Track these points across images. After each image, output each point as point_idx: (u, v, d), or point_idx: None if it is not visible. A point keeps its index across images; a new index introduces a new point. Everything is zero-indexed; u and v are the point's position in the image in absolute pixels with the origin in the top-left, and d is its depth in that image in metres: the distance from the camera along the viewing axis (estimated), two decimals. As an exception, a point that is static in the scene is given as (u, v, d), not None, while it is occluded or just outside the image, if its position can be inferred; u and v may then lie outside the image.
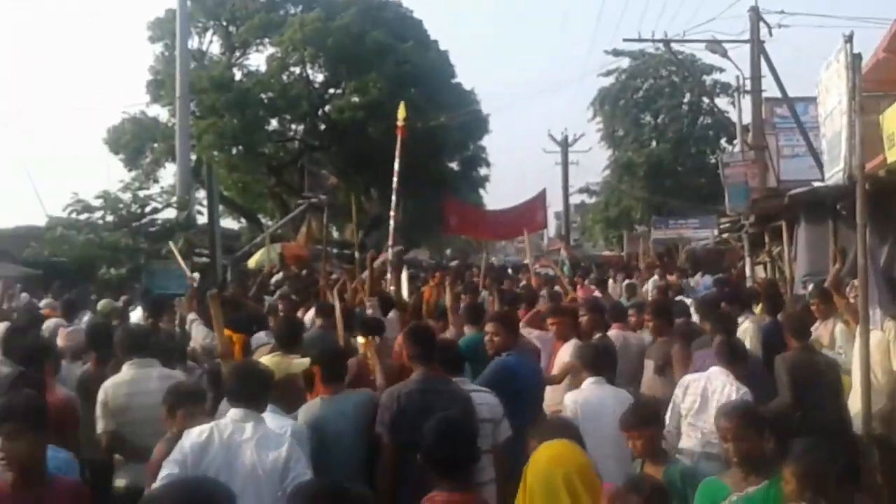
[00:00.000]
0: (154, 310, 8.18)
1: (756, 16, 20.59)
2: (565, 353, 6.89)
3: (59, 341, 7.43)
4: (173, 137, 20.28)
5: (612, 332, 7.61)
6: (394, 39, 30.17)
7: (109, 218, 15.71)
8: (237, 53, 33.32)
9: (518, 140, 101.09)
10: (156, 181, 28.69)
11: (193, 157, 22.66)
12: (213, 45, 33.84)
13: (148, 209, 16.30)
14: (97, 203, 15.71)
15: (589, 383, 5.62)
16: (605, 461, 4.55)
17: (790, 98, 20.42)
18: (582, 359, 5.92)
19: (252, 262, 17.93)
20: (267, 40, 32.12)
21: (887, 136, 10.26)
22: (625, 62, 40.14)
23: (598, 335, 7.26)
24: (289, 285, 12.07)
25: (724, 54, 22.32)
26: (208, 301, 5.68)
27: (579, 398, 5.51)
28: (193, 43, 30.95)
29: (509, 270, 20.79)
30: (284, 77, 31.34)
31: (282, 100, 30.31)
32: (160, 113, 31.42)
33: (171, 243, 11.73)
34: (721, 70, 36.89)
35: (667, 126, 41.13)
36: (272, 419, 4.30)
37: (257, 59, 33.16)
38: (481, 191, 36.44)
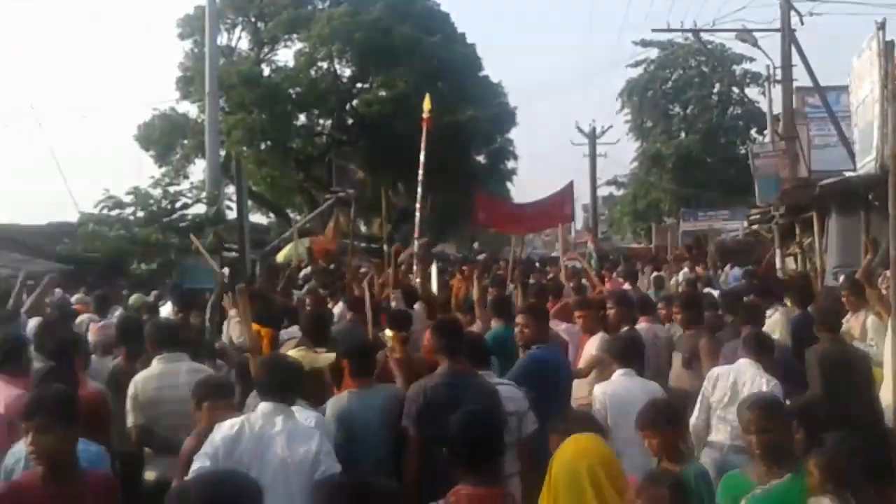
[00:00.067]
0: (184, 304, 8.27)
1: (787, 4, 20.35)
2: (592, 346, 6.89)
3: (90, 336, 7.51)
4: (203, 133, 20.41)
5: (641, 326, 7.58)
6: (421, 33, 30.20)
7: (140, 214, 15.84)
8: (266, 49, 33.52)
9: (546, 132, 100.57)
10: (186, 177, 28.90)
11: (223, 152, 22.86)
12: (242, 41, 34.14)
13: (178, 205, 16.41)
14: (128, 199, 15.88)
15: (618, 375, 5.65)
16: (633, 452, 4.55)
17: (822, 87, 20.17)
18: (611, 351, 5.94)
19: (280, 257, 18.01)
20: (295, 36, 32.29)
21: (921, 124, 10.10)
22: (653, 53, 39.97)
23: (625, 328, 7.24)
24: (316, 279, 12.13)
25: (755, 43, 22.09)
26: (237, 296, 5.73)
27: (608, 390, 5.53)
28: (222, 39, 31.17)
29: (536, 264, 20.72)
30: (312, 72, 31.50)
31: (310, 95, 30.46)
32: (190, 109, 31.74)
33: (191, 236, 11.81)
34: (751, 59, 36.60)
35: (696, 117, 40.85)
36: (297, 411, 4.33)
37: (286, 55, 33.49)
38: (508, 184, 36.45)
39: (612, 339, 6.40)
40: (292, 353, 5.19)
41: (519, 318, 6.08)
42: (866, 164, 13.76)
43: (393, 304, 8.68)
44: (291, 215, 33.91)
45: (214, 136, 18.64)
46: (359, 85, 32.62)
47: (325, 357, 5.03)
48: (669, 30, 24.46)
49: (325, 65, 31.98)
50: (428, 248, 13.75)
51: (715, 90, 41.08)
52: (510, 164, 35.61)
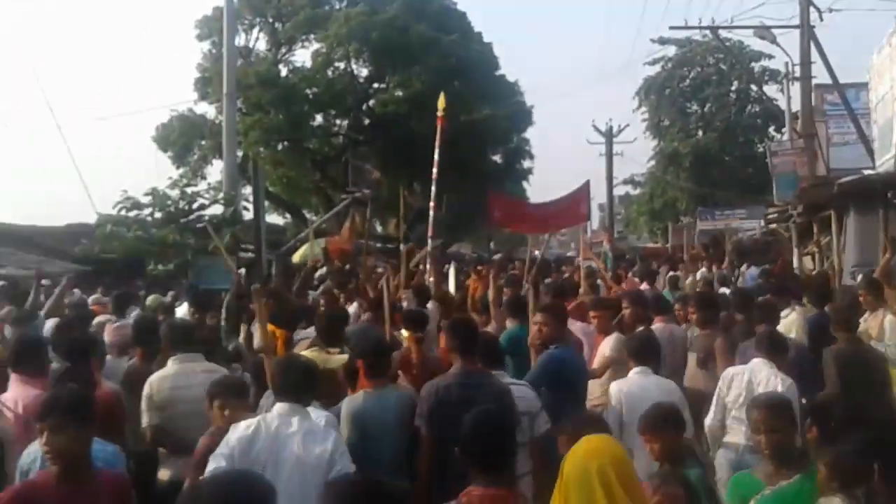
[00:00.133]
0: (199, 305, 8.30)
1: (806, 0, 20.19)
2: (606, 346, 6.88)
3: (106, 336, 7.55)
4: (220, 134, 20.50)
5: (657, 326, 7.56)
6: (438, 32, 30.15)
7: (158, 214, 15.92)
8: (283, 50, 33.59)
9: (562, 131, 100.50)
10: (203, 178, 29.02)
11: (240, 153, 22.92)
12: (260, 42, 34.19)
13: (195, 205, 16.49)
14: (146, 200, 15.97)
15: (634, 373, 5.67)
16: (647, 451, 4.54)
17: (841, 84, 20.02)
18: (627, 349, 5.93)
19: (296, 257, 18.07)
20: (312, 36, 32.32)
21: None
22: (671, 51, 39.76)
23: (640, 328, 7.22)
24: (332, 279, 12.16)
25: (773, 40, 21.94)
26: (252, 296, 5.75)
27: (624, 387, 5.55)
28: (240, 40, 31.31)
29: (552, 264, 20.69)
30: (329, 72, 31.53)
31: (326, 95, 30.49)
32: (208, 110, 31.88)
33: (209, 227, 11.86)
34: (770, 57, 36.38)
35: (714, 115, 40.63)
36: (309, 411, 4.34)
37: (303, 55, 33.45)
38: (524, 183, 36.29)
39: (628, 338, 6.40)
40: (305, 353, 5.20)
41: (538, 317, 6.08)
42: (885, 161, 13.66)
43: (405, 304, 8.69)
44: (308, 216, 34.02)
45: (232, 136, 18.72)
46: (375, 85, 32.64)
47: (338, 358, 5.04)
48: (687, 27, 24.41)
49: (341, 65, 32.02)
50: (442, 249, 13.76)
51: (733, 88, 40.84)
52: (526, 164, 35.50)
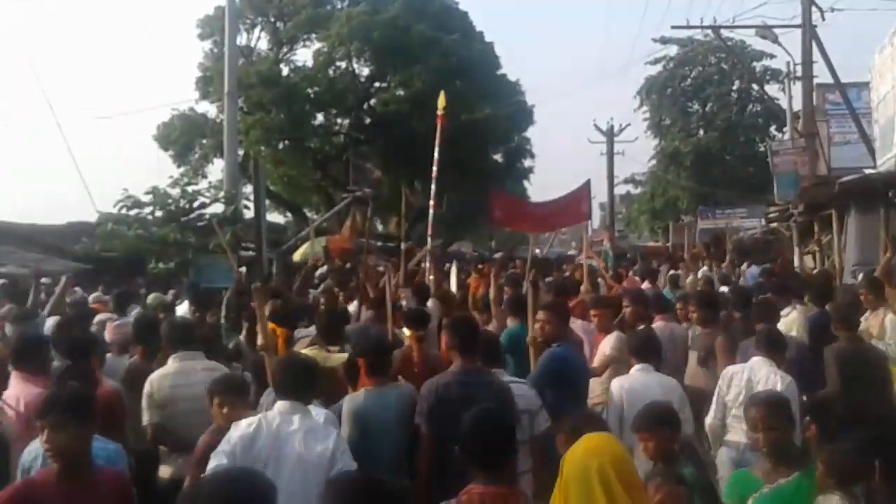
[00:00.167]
0: (200, 303, 8.31)
1: (808, 0, 20.18)
2: (606, 345, 6.89)
3: (106, 335, 7.56)
4: (221, 133, 20.49)
5: (658, 324, 7.57)
6: (439, 32, 30.14)
7: (158, 213, 15.93)
8: (284, 49, 33.58)
9: (563, 130, 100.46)
10: (204, 176, 29.00)
11: (241, 152, 22.90)
12: (261, 41, 34.19)
13: (196, 204, 16.49)
14: (147, 199, 15.97)
15: (636, 370, 5.69)
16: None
17: (842, 84, 20.02)
18: (628, 346, 5.95)
19: (297, 256, 18.08)
20: (314, 35, 32.32)
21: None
22: (672, 50, 39.74)
23: (641, 327, 7.22)
24: (332, 278, 12.17)
25: (775, 40, 21.94)
26: (253, 294, 5.75)
27: (625, 384, 5.56)
28: (242, 39, 31.30)
29: (553, 262, 20.67)
30: (331, 71, 31.52)
31: (328, 94, 30.47)
32: (209, 109, 31.86)
33: (214, 224, 11.85)
34: (771, 56, 36.37)
35: (715, 114, 40.61)
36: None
37: (304, 55, 33.52)
38: (525, 182, 36.31)
39: (629, 336, 6.42)
40: (305, 351, 5.20)
41: (540, 315, 6.07)
42: (886, 161, 13.65)
43: (403, 302, 8.69)
44: (308, 214, 34.03)
45: (233, 135, 18.71)
46: (376, 84, 32.64)
47: (337, 357, 5.04)
48: (689, 27, 24.42)
49: (343, 64, 32.01)
50: (443, 248, 13.76)
51: (734, 87, 40.81)
52: (527, 163, 35.50)
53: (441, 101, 12.46)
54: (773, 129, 38.30)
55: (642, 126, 43.61)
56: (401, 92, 30.28)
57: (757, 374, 5.56)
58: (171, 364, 5.53)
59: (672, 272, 14.81)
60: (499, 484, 3.44)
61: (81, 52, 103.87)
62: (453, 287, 12.01)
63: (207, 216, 16.16)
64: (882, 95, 14.03)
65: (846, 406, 5.55)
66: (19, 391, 4.87)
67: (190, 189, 16.79)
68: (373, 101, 32.36)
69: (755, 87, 37.80)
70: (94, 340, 6.01)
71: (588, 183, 14.70)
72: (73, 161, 15.51)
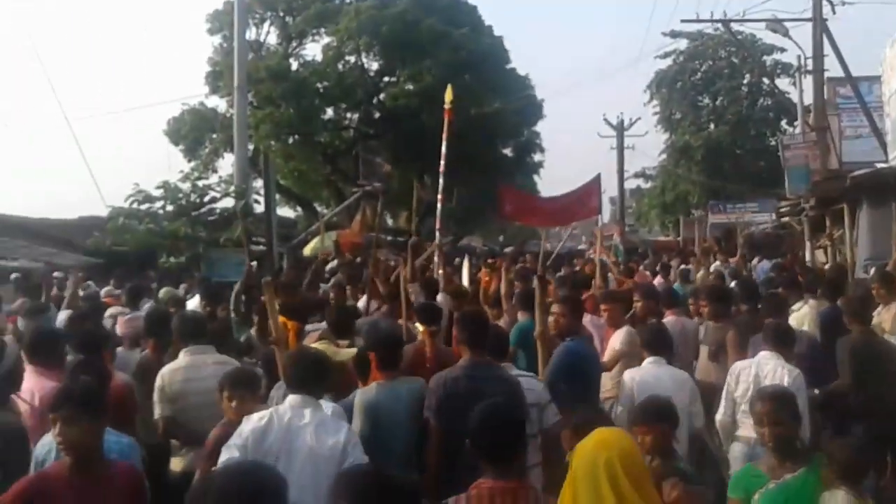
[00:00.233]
0: (211, 297, 8.33)
1: (818, -7, 20.06)
2: (617, 339, 6.88)
3: (118, 328, 7.59)
4: (231, 128, 20.56)
5: (669, 319, 7.57)
6: (448, 26, 30.10)
7: (169, 208, 15.95)
8: (294, 43, 33.62)
9: (573, 125, 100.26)
10: (214, 171, 29.12)
11: (251, 146, 22.93)
12: (271, 36, 34.27)
13: (207, 198, 16.51)
14: (158, 193, 16.02)
15: (648, 363, 5.72)
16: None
17: (853, 77, 19.91)
18: (641, 340, 5.95)
19: (307, 250, 18.09)
20: (323, 30, 32.36)
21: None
22: (682, 44, 39.45)
23: (651, 321, 7.22)
24: (342, 272, 12.17)
25: (786, 33, 21.80)
26: (263, 288, 5.76)
27: (637, 376, 5.58)
28: (251, 34, 31.37)
29: (563, 257, 20.66)
30: (340, 66, 31.54)
31: (337, 88, 30.50)
32: (219, 104, 31.97)
33: (237, 210, 11.83)
34: (782, 50, 36.19)
35: (725, 108, 40.46)
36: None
37: (313, 49, 33.45)
38: (535, 177, 36.28)
39: (640, 329, 6.43)
40: (314, 345, 5.21)
41: (555, 308, 6.06)
42: (898, 154, 13.56)
43: (412, 297, 8.70)
44: (318, 209, 34.06)
45: (243, 130, 18.75)
46: (386, 78, 32.63)
47: (347, 351, 5.05)
48: (699, 20, 24.24)
49: (352, 59, 32.03)
50: (452, 244, 13.75)
51: (745, 81, 40.61)
52: (537, 157, 35.48)
53: (448, 94, 12.38)
54: (783, 123, 38.17)
55: (652, 120, 43.51)
56: (410, 86, 30.28)
57: (764, 368, 5.54)
58: (183, 358, 5.55)
59: (683, 267, 14.78)
60: (508, 478, 3.42)
61: (89, 47, 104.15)
62: (465, 281, 12.00)
63: (218, 210, 16.23)
64: (894, 89, 13.95)
65: (859, 399, 5.53)
66: (34, 385, 4.90)
67: (200, 184, 16.82)
68: (382, 96, 32.37)
69: (766, 80, 37.60)
70: (105, 335, 6.03)
71: (598, 177, 14.65)
72: (81, 156, 15.59)
